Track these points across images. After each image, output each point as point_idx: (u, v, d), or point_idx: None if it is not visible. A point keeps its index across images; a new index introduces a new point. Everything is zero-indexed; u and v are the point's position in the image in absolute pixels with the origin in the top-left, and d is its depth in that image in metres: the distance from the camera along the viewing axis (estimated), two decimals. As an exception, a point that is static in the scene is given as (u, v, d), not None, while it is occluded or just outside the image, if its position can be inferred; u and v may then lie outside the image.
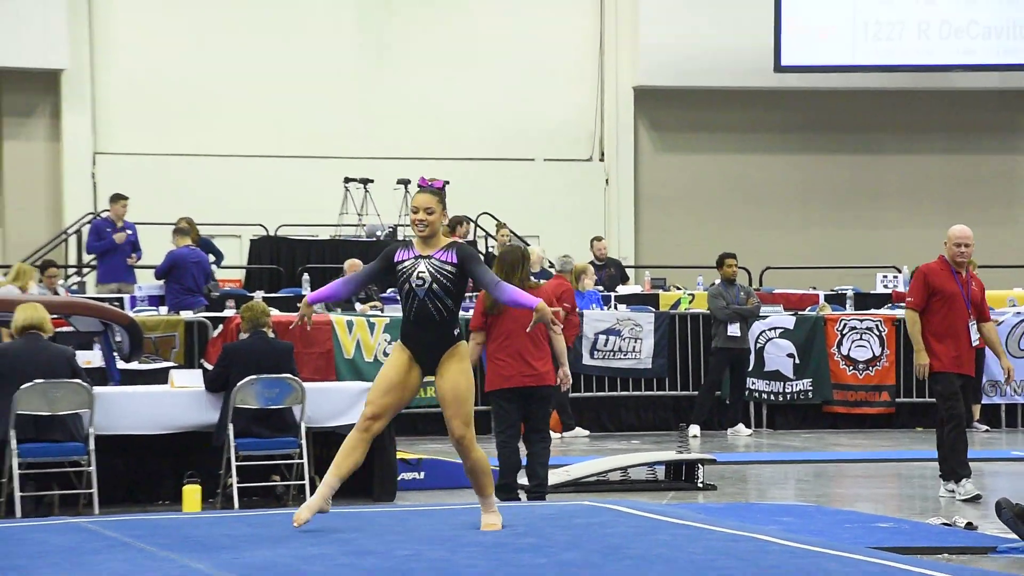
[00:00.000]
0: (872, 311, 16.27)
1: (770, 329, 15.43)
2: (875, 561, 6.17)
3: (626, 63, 23.12)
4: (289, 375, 9.72)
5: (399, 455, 10.28)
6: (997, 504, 7.92)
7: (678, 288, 18.06)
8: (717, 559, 6.21)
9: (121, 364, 11.52)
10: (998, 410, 15.71)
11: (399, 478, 10.15)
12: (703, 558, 6.23)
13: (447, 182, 7.24)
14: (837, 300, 17.07)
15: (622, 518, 7.54)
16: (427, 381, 14.80)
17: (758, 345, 15.24)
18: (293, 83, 21.99)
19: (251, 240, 19.06)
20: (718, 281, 15.27)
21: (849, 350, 15.54)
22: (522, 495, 9.31)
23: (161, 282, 15.42)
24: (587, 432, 14.63)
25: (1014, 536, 7.82)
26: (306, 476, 9.50)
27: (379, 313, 14.80)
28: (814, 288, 18.36)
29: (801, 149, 23.95)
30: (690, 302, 16.74)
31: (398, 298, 7.15)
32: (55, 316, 10.73)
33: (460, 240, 7.15)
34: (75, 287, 17.21)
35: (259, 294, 15.39)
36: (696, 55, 22.71)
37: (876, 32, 22.66)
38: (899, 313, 16.02)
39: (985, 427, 15.31)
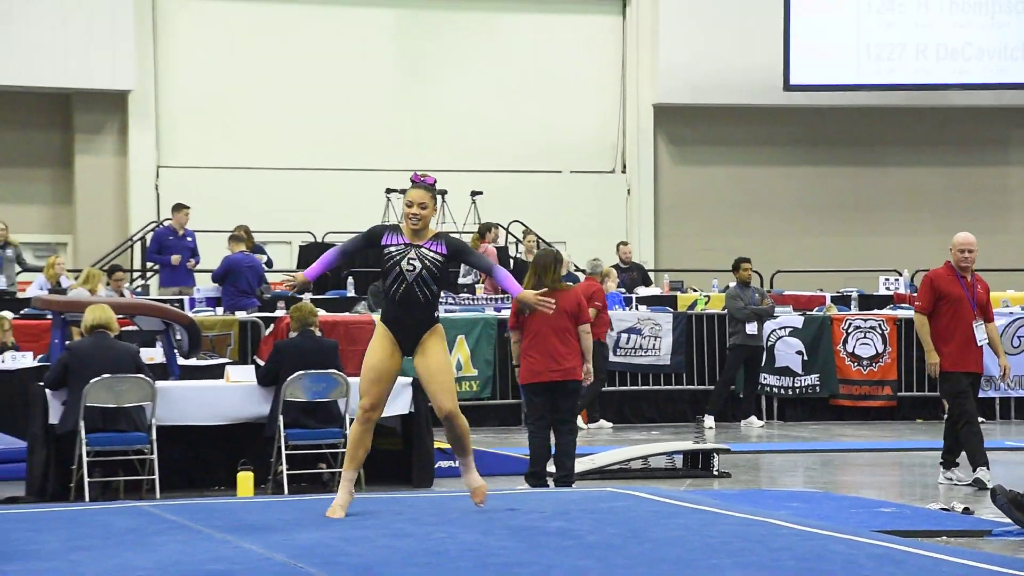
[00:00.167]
0: (875, 311, 16.20)
1: (780, 328, 15.36)
2: (879, 543, 6.12)
3: (646, 83, 23.07)
4: (335, 371, 9.70)
5: (436, 444, 10.24)
6: (992, 491, 7.86)
7: (694, 290, 18.01)
8: (731, 541, 6.16)
9: (181, 360, 11.53)
10: (993, 403, 15.60)
11: (436, 466, 10.12)
12: (718, 541, 6.19)
13: (442, 190, 7.24)
14: (843, 301, 16.98)
15: (643, 503, 7.50)
16: (464, 376, 14.80)
17: (769, 343, 15.17)
18: (339, 102, 22.02)
19: (300, 246, 19.08)
20: (733, 284, 15.22)
21: (854, 348, 15.46)
22: (550, 482, 9.27)
23: (217, 285, 15.44)
24: (610, 424, 14.58)
25: (1008, 520, 7.76)
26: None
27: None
28: (821, 290, 18.27)
29: (809, 162, 23.84)
30: (706, 303, 16.69)
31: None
32: (121, 316, 10.76)
33: (447, 233, 7.07)
34: (139, 290, 17.26)
35: (307, 296, 15.37)
36: (711, 75, 22.66)
37: (878, 53, 22.56)
38: (900, 313, 15.95)
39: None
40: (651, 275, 19.95)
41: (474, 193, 19.70)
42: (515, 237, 19.73)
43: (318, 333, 10.23)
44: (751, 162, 23.67)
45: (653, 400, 15.19)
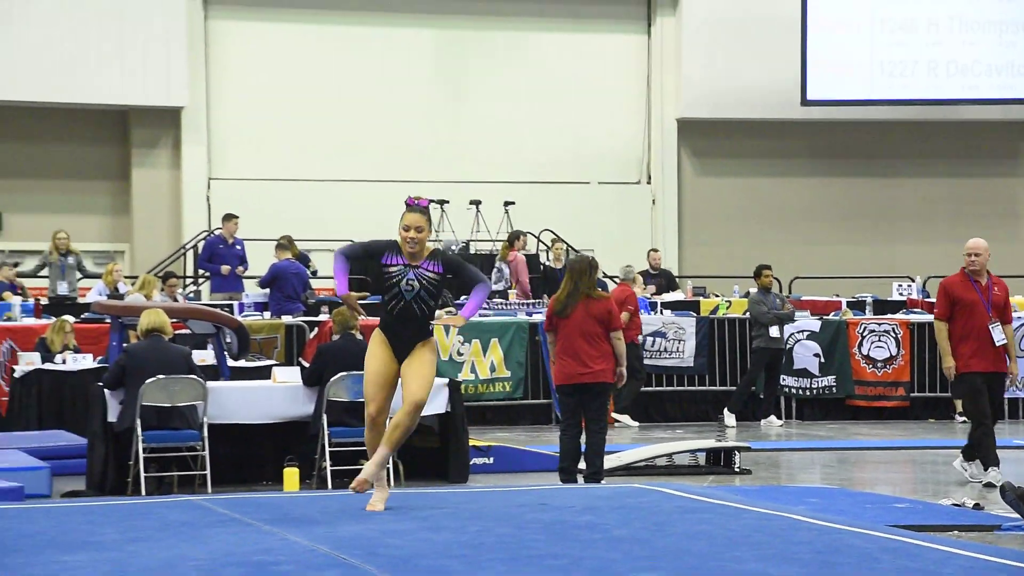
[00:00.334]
0: (889, 316, 16.12)
1: (798, 332, 15.30)
2: (893, 537, 6.08)
3: (670, 98, 23.03)
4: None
5: (471, 442, 10.25)
6: (1001, 487, 7.80)
7: (716, 296, 17.94)
8: (752, 535, 6.13)
9: (231, 362, 11.58)
10: (1001, 403, 15.43)
11: (471, 463, 10.11)
12: (740, 534, 6.15)
13: (431, 200, 7.22)
14: (858, 306, 16.89)
15: (667, 499, 7.47)
16: (497, 377, 14.76)
17: (788, 346, 15.11)
18: (380, 117, 22.06)
19: (342, 254, 19.09)
20: (755, 289, 15.18)
21: (869, 350, 15.38)
22: (580, 479, 9.25)
23: (265, 291, 15.48)
24: (637, 423, 14.53)
25: (1017, 516, 7.69)
26: (390, 461, 9.45)
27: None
28: (837, 296, 18.18)
29: (825, 173, 23.74)
30: (727, 308, 16.64)
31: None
32: (175, 320, 10.81)
33: (441, 248, 7.04)
34: (192, 295, 17.32)
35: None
36: (732, 91, 22.61)
37: (891, 70, 22.46)
38: (913, 318, 15.87)
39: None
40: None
41: (507, 203, 19.70)
42: (545, 245, 19.71)
43: (359, 336, 10.24)
44: (770, 174, 23.59)
45: (677, 400, 15.15)
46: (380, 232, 20.16)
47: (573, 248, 18.60)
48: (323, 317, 14.16)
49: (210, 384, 9.48)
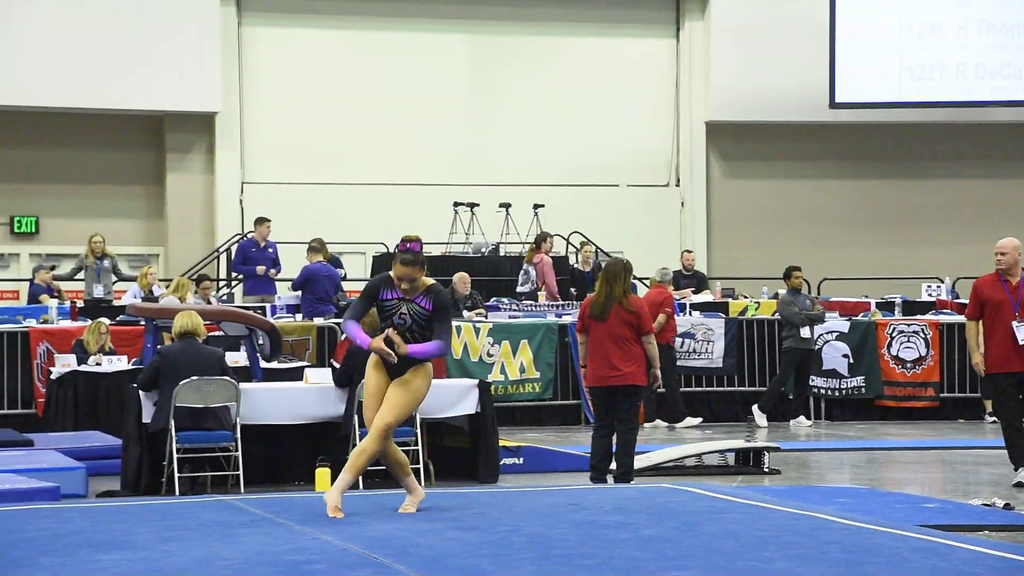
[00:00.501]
0: (918, 317, 16.02)
1: (827, 332, 15.23)
2: (923, 537, 6.03)
3: (699, 101, 22.96)
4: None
5: (501, 443, 10.22)
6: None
7: (745, 297, 17.88)
8: (781, 535, 6.09)
9: (263, 363, 11.60)
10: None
11: (501, 463, 10.09)
12: (769, 534, 6.12)
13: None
14: (887, 307, 16.79)
15: (697, 499, 7.44)
16: (527, 378, 14.73)
17: (817, 346, 15.04)
18: (411, 121, 22.09)
19: (373, 256, 19.13)
20: (784, 291, 15.12)
21: (898, 351, 15.29)
22: (610, 479, 9.23)
23: (297, 293, 15.51)
24: (666, 423, 14.48)
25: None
26: (420, 461, 9.47)
27: (483, 319, 14.77)
28: (866, 297, 18.08)
29: (853, 176, 23.62)
30: (756, 309, 16.57)
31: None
32: (208, 322, 10.84)
33: (439, 287, 7.03)
34: (225, 297, 17.37)
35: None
36: (760, 94, 22.53)
37: (919, 73, 22.34)
38: (942, 318, 15.77)
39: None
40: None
41: (536, 206, 19.69)
42: (575, 247, 19.68)
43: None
44: (798, 176, 23.50)
45: (706, 401, 15.08)
46: (412, 234, 20.25)
47: (602, 251, 18.56)
48: (354, 319, 14.15)
49: (243, 385, 9.49)
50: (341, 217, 20.78)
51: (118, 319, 13.65)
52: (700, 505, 7.16)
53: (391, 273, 6.93)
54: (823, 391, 15.22)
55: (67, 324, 13.67)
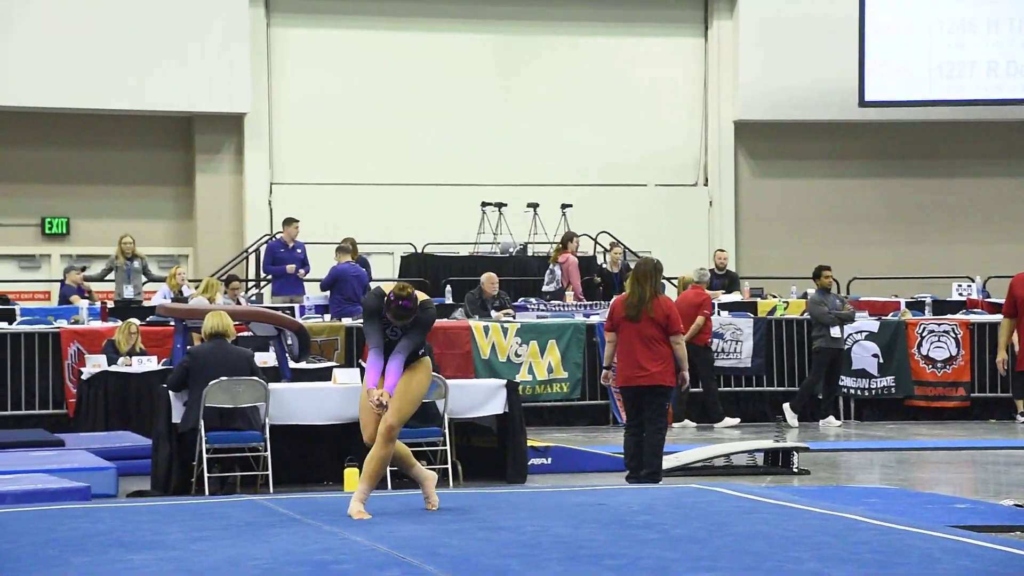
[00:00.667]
0: (948, 316, 15.92)
1: (857, 332, 15.16)
2: (953, 538, 6.00)
3: (727, 100, 22.90)
4: (435, 373, 9.69)
5: (529, 443, 10.22)
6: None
7: (774, 297, 17.81)
8: (811, 535, 6.07)
9: (292, 364, 11.63)
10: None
11: (529, 463, 10.09)
12: (798, 534, 6.10)
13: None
14: (917, 307, 16.70)
15: (725, 499, 7.42)
16: (555, 378, 14.70)
17: (846, 346, 14.97)
18: (439, 121, 22.12)
19: (402, 257, 19.18)
20: (814, 290, 15.06)
21: (928, 351, 15.20)
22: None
23: (326, 293, 15.54)
24: (694, 423, 14.45)
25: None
26: (449, 461, 9.48)
27: (511, 319, 14.77)
28: (896, 296, 17.99)
29: (883, 174, 23.51)
30: (784, 309, 16.51)
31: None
32: (237, 323, 10.88)
33: (428, 304, 7.08)
34: (254, 298, 17.44)
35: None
36: (789, 92, 22.45)
37: (949, 71, 22.20)
38: (973, 318, 15.67)
39: None
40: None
41: (564, 206, 19.68)
42: (603, 247, 19.67)
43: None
44: (827, 175, 23.40)
45: (734, 401, 15.03)
46: (439, 235, 20.32)
47: (631, 252, 18.53)
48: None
49: (272, 385, 9.52)
50: (369, 217, 20.82)
51: (148, 319, 13.71)
52: (729, 505, 7.15)
53: (383, 290, 7.00)
54: (852, 391, 15.15)
55: (98, 325, 13.74)
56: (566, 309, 15.53)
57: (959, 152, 23.51)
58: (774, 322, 15.40)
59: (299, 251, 16.58)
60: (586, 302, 16.01)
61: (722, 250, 19.07)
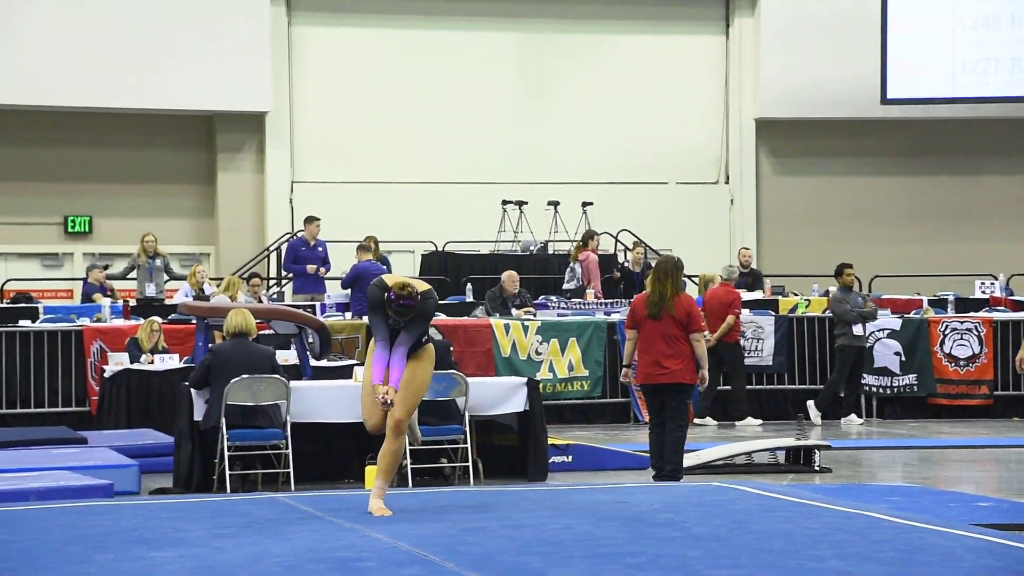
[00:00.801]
0: (971, 314, 15.85)
1: (879, 330, 15.11)
2: (977, 536, 5.97)
3: (748, 98, 22.85)
4: (455, 371, 9.72)
5: (550, 441, 10.22)
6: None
7: (795, 294, 17.76)
8: (833, 534, 6.05)
9: (313, 362, 11.66)
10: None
11: (550, 461, 10.09)
12: (820, 533, 6.08)
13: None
14: (939, 304, 16.63)
15: (747, 497, 7.40)
16: (575, 376, 14.70)
17: (868, 344, 14.93)
18: (460, 119, 22.14)
19: (422, 255, 19.21)
20: (835, 288, 15.02)
21: (951, 348, 15.14)
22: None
23: (347, 291, 15.56)
24: (716, 422, 14.42)
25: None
26: (470, 458, 9.49)
27: (532, 317, 14.77)
28: (918, 294, 17.91)
29: (905, 172, 23.42)
30: (806, 307, 16.46)
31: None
32: (259, 321, 10.90)
33: (429, 294, 7.04)
34: (275, 296, 17.48)
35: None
36: (810, 90, 22.38)
37: (973, 68, 22.09)
38: (996, 316, 15.60)
39: None
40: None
41: (585, 204, 19.67)
42: (624, 245, 19.65)
43: (438, 335, 10.25)
44: (849, 173, 23.33)
45: (756, 399, 15.00)
46: (460, 234, 20.33)
47: (652, 250, 18.52)
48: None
49: (293, 383, 9.54)
50: (390, 215, 20.86)
51: (170, 318, 13.76)
52: (750, 503, 7.13)
53: (386, 282, 6.97)
54: (874, 389, 15.10)
55: (120, 323, 13.80)
56: (587, 307, 15.52)
57: (982, 149, 23.40)
58: (795, 320, 15.35)
59: (320, 249, 16.61)
60: (606, 300, 16.00)
61: (746, 248, 19.06)
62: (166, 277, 16.23)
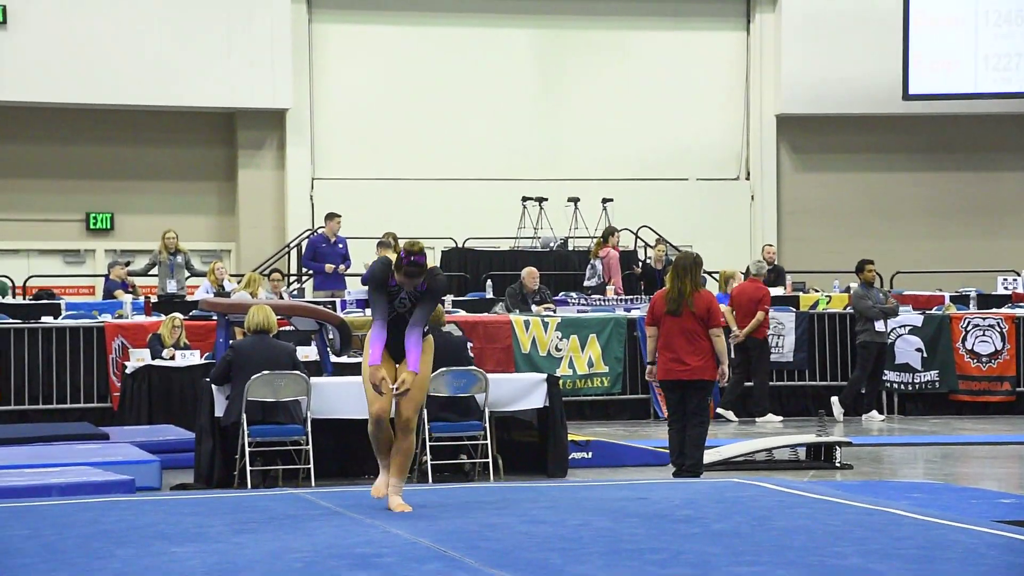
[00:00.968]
0: (993, 310, 15.78)
1: (900, 326, 15.05)
2: (998, 533, 5.94)
3: (769, 94, 22.79)
4: (475, 368, 9.71)
5: (570, 437, 10.21)
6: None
7: (816, 291, 17.72)
8: (853, 530, 6.03)
9: (333, 358, 11.67)
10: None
11: (570, 457, 10.08)
12: (840, 529, 6.06)
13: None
14: (961, 300, 16.56)
15: (767, 494, 7.38)
16: (595, 373, 14.67)
17: (889, 340, 14.87)
18: (479, 116, 22.14)
19: (442, 251, 19.20)
20: (857, 284, 14.97)
21: (973, 345, 15.07)
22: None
23: (367, 288, 15.54)
24: (737, 418, 14.39)
25: None
26: (490, 455, 9.48)
27: (552, 313, 14.76)
28: (940, 290, 17.85)
29: (927, 168, 23.33)
30: (827, 303, 16.40)
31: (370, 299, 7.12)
32: (279, 317, 10.91)
33: (437, 270, 7.02)
34: (296, 292, 17.51)
35: (449, 298, 15.48)
36: (832, 86, 22.31)
37: (995, 63, 21.98)
38: (1019, 312, 15.53)
39: None
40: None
41: (605, 200, 19.64)
42: (644, 242, 19.63)
43: (458, 332, 10.26)
44: (870, 169, 23.25)
45: (776, 395, 14.95)
46: (480, 230, 20.33)
47: (672, 245, 18.49)
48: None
49: (313, 380, 9.54)
50: (410, 212, 20.88)
51: (191, 314, 13.80)
52: (771, 500, 7.11)
53: (390, 259, 6.91)
54: (896, 385, 15.05)
55: (141, 319, 13.85)
56: (606, 303, 15.51)
57: (1005, 145, 23.28)
58: (816, 316, 15.31)
59: (341, 246, 16.63)
60: (626, 296, 15.98)
61: (770, 245, 19.02)
62: (187, 273, 16.27)
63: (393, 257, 6.81)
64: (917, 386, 15.06)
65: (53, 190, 21.24)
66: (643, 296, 15.65)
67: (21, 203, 21.14)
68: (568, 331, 14.34)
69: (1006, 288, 17.44)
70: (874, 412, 14.64)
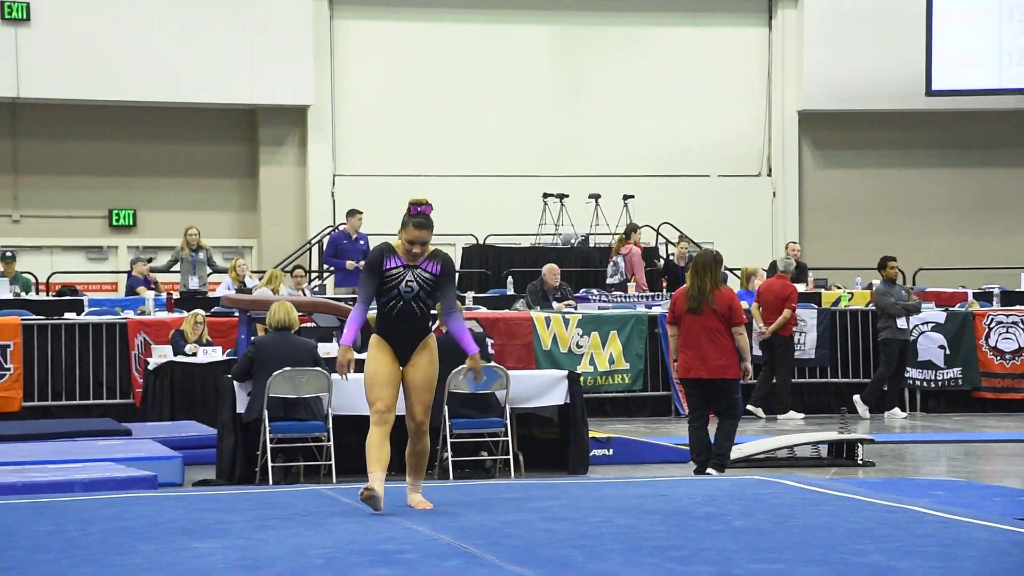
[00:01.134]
0: (1017, 307, 15.71)
1: (923, 323, 15.00)
2: (1021, 531, 5.91)
3: (791, 90, 22.73)
4: (495, 364, 9.72)
5: (591, 434, 10.21)
6: None
7: (838, 287, 17.67)
8: (875, 528, 6.01)
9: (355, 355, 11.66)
10: None
11: (591, 454, 10.08)
12: (862, 527, 6.04)
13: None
14: (984, 297, 16.49)
15: (789, 491, 7.37)
16: (616, 369, 14.64)
17: (912, 337, 14.82)
18: (500, 112, 22.15)
19: (463, 248, 19.22)
20: (878, 281, 14.92)
21: (996, 342, 15.01)
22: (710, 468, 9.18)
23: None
24: (759, 412, 14.36)
25: None
26: (511, 451, 9.49)
27: (573, 310, 14.76)
28: (963, 287, 17.77)
29: (950, 164, 23.23)
30: (849, 300, 16.35)
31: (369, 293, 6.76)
32: (301, 314, 10.94)
33: (443, 251, 6.88)
34: (317, 289, 17.55)
35: (469, 295, 15.49)
36: (854, 82, 22.24)
37: (1020, 59, 21.87)
38: (1042, 309, 15.47)
39: None
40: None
41: (626, 197, 19.62)
42: (665, 238, 19.60)
43: (479, 328, 10.26)
44: (892, 165, 23.16)
45: (798, 392, 14.92)
46: (501, 226, 20.33)
47: (693, 242, 18.47)
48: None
49: (335, 376, 9.56)
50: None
51: (213, 311, 13.84)
52: (792, 497, 7.09)
53: (391, 242, 6.74)
54: (918, 383, 14.99)
55: (164, 315, 13.89)
56: (627, 300, 15.50)
57: (1028, 141, 23.18)
58: (838, 313, 15.27)
59: (362, 243, 16.66)
60: (648, 293, 15.97)
61: (794, 242, 18.98)
62: (209, 270, 16.32)
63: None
64: (940, 383, 15.01)
65: (76, 187, 21.34)
66: (664, 292, 15.62)
67: (44, 200, 21.24)
68: (589, 328, 14.33)
69: (1030, 285, 17.36)
70: (896, 409, 14.59)
